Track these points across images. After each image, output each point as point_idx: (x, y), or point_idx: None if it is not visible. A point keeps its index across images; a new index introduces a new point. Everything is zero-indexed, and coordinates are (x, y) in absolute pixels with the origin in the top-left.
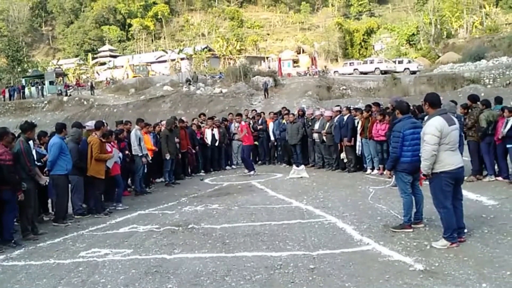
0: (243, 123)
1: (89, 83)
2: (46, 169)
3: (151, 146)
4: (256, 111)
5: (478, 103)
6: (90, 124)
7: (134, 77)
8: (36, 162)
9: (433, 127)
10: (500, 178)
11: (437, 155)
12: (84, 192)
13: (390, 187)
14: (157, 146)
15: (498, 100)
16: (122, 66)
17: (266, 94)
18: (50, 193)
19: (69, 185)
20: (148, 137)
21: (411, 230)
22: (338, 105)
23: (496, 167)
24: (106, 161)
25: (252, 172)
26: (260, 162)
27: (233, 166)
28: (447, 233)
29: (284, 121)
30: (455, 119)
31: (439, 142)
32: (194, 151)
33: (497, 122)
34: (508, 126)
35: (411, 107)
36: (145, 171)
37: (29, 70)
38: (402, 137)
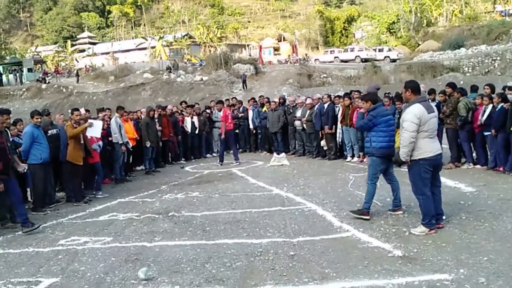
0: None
1: (74, 71)
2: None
3: (132, 135)
4: (236, 98)
5: (455, 91)
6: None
7: (167, 60)
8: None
9: (412, 114)
10: (478, 166)
11: (416, 142)
12: (63, 180)
13: None
14: (138, 134)
15: (474, 89)
16: (102, 53)
17: (244, 85)
18: (28, 182)
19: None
20: (130, 125)
21: (368, 217)
22: (309, 97)
23: (474, 154)
24: (84, 147)
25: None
26: (241, 150)
27: (214, 154)
28: (426, 219)
29: (264, 109)
30: (434, 107)
31: (418, 129)
32: (176, 140)
33: (476, 110)
34: (486, 114)
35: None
36: (125, 160)
37: (7, 57)
38: (376, 122)
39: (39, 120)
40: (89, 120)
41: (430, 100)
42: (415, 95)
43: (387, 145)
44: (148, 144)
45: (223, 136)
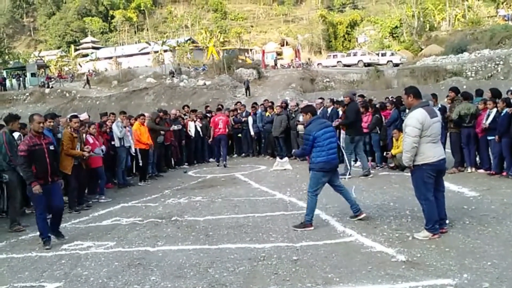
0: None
1: (84, 76)
2: None
3: (147, 139)
4: (240, 103)
5: (459, 95)
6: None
7: (219, 60)
8: None
9: (415, 119)
10: (481, 170)
11: (419, 147)
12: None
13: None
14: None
15: (479, 93)
16: (105, 58)
17: (248, 92)
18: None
19: None
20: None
21: (312, 228)
22: (321, 98)
23: (477, 158)
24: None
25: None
26: (243, 154)
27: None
28: (429, 224)
29: (267, 113)
30: (437, 111)
31: (420, 134)
32: (179, 144)
33: (479, 114)
34: (490, 118)
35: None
36: (128, 164)
37: (10, 62)
38: (313, 140)
39: (51, 123)
40: (88, 151)
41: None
42: (417, 99)
43: (325, 159)
44: (160, 140)
45: (210, 140)
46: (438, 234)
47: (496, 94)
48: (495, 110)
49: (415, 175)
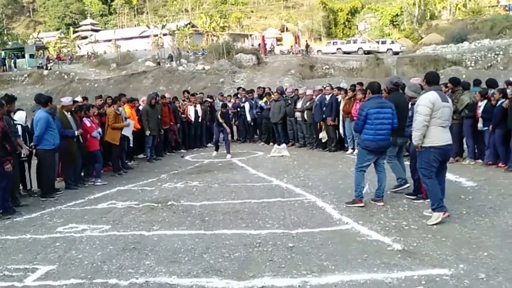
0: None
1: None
2: (32, 143)
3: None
4: (242, 88)
5: (459, 86)
6: (65, 100)
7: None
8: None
9: (426, 99)
10: (479, 160)
11: (428, 130)
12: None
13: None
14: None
15: (476, 83)
16: (104, 41)
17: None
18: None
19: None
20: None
21: (362, 204)
22: (329, 84)
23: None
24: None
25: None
26: (240, 140)
27: None
28: (435, 204)
29: (264, 99)
30: (449, 98)
31: (431, 115)
32: (177, 128)
33: (476, 104)
34: (481, 108)
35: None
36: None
37: (9, 43)
38: (365, 115)
39: (52, 105)
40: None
41: None
42: (429, 85)
43: (371, 138)
44: (148, 133)
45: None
46: (448, 212)
47: (490, 84)
48: (486, 100)
49: (422, 156)
